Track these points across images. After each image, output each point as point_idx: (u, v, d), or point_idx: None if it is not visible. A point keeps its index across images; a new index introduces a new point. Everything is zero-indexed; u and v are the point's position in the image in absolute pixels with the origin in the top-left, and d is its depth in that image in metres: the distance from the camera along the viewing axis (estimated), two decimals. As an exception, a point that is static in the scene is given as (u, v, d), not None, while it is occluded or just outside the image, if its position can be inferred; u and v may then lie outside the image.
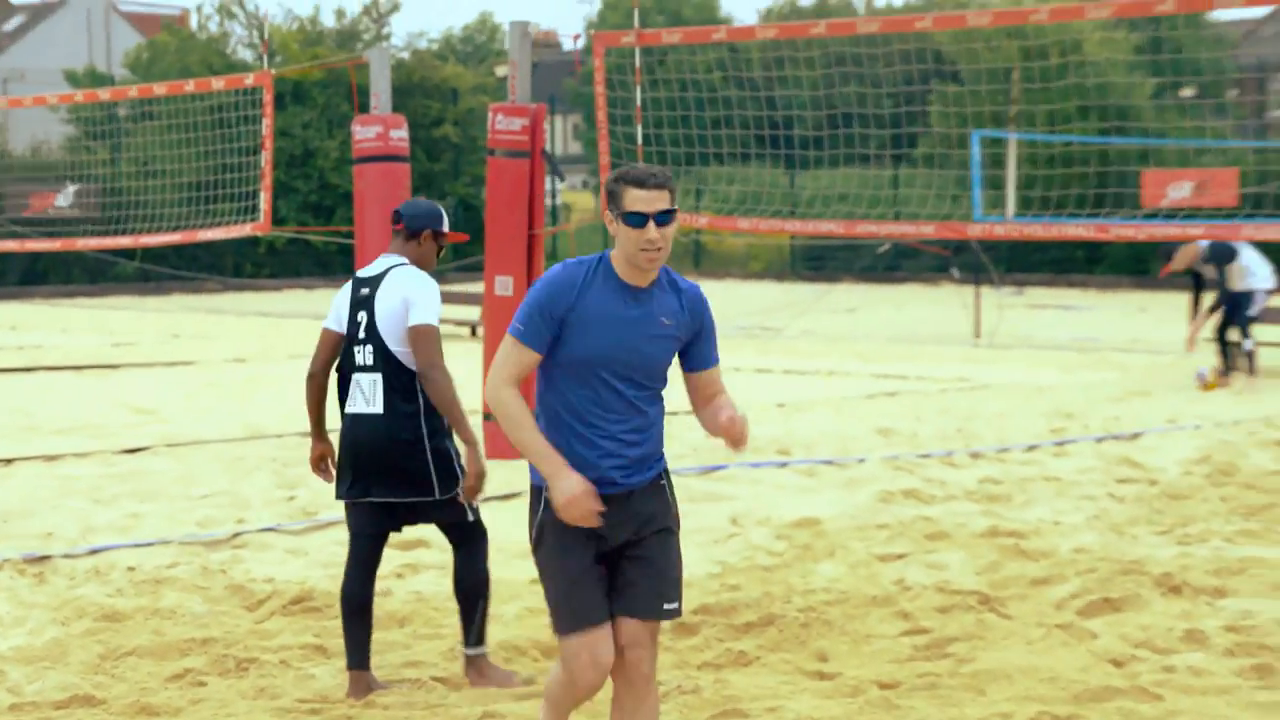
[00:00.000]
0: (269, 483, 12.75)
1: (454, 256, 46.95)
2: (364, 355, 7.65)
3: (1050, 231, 14.45)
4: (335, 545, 10.42)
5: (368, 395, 7.63)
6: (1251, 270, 18.73)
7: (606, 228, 5.83)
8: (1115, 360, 22.81)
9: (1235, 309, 18.95)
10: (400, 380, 7.59)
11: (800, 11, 60.69)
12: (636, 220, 5.71)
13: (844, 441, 14.89)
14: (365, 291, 7.71)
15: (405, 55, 51.36)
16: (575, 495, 5.69)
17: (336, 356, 7.82)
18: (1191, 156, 39.49)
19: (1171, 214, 30.52)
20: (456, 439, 7.61)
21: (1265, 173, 36.61)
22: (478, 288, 17.54)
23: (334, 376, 7.83)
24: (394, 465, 7.57)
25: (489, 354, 14.14)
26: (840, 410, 17.26)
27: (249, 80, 16.18)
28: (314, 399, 7.92)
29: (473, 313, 28.52)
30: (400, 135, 14.50)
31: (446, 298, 30.43)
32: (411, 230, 7.88)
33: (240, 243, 43.29)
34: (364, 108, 15.05)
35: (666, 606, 6.01)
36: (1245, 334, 19.09)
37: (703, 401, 6.05)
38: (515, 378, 5.84)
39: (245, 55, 50.46)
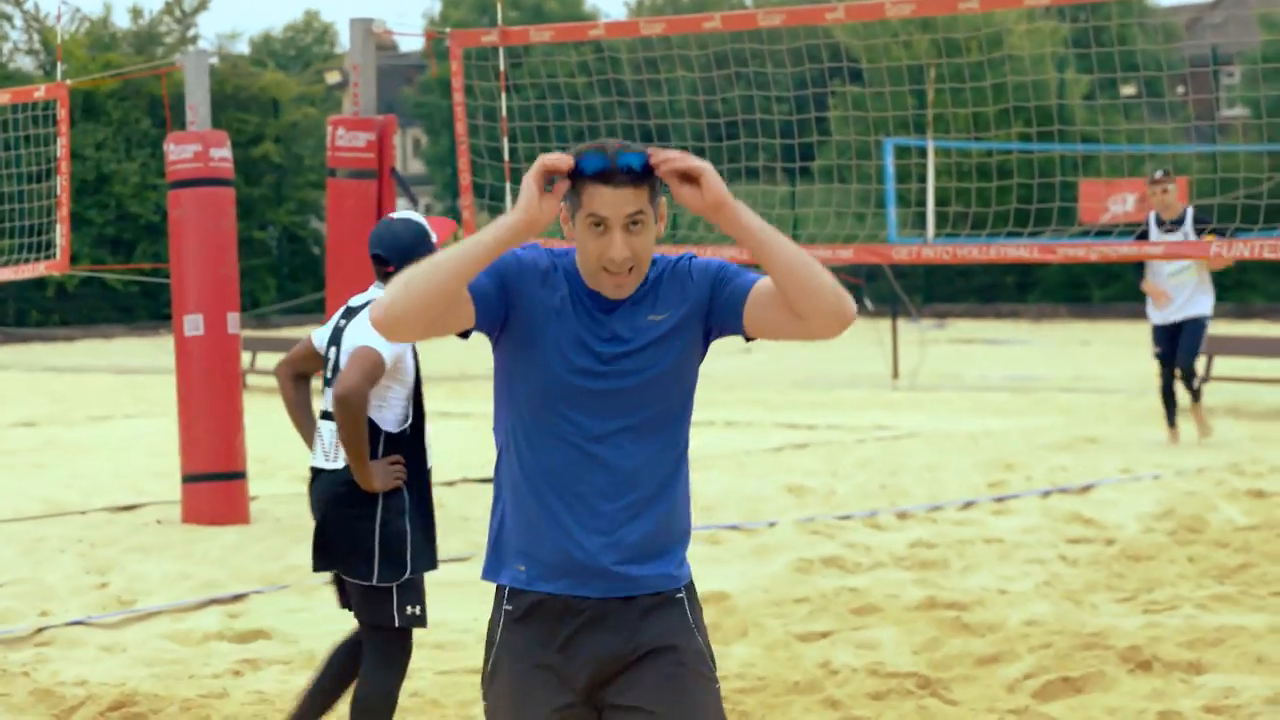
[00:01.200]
0: (75, 568, 12.60)
1: (279, 296, 46.83)
2: (327, 399, 7.60)
3: (988, 254, 14.57)
4: (159, 640, 10.32)
5: (327, 448, 7.60)
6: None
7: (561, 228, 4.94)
8: (1057, 401, 23.07)
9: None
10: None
11: (677, 5, 61.01)
12: (596, 227, 4.80)
13: (750, 503, 14.95)
14: (342, 323, 7.69)
15: (215, 61, 51.15)
16: (532, 199, 4.69)
17: (311, 366, 7.83)
18: (1130, 165, 39.99)
19: (1105, 231, 30.90)
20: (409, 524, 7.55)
21: (1218, 181, 37.10)
22: (309, 331, 17.38)
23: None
24: (343, 534, 7.48)
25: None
26: (743, 466, 17.33)
27: (40, 92, 16.08)
28: (287, 398, 7.91)
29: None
30: (223, 155, 14.44)
31: (271, 345, 30.34)
32: (402, 267, 7.78)
33: (21, 286, 42.92)
34: (178, 123, 14.97)
35: None
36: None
37: (782, 304, 4.83)
38: None
39: (24, 63, 50.10)
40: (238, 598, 11.48)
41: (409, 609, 7.53)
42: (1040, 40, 46.86)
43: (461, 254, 4.66)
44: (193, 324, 14.35)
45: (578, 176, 4.75)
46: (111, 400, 26.71)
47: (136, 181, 44.84)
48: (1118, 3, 46.67)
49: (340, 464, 7.50)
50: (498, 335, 4.93)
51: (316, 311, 13.08)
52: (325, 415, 7.62)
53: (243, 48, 60.14)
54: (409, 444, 7.62)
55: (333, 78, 38.15)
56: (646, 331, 4.90)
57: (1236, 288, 44.12)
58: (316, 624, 10.67)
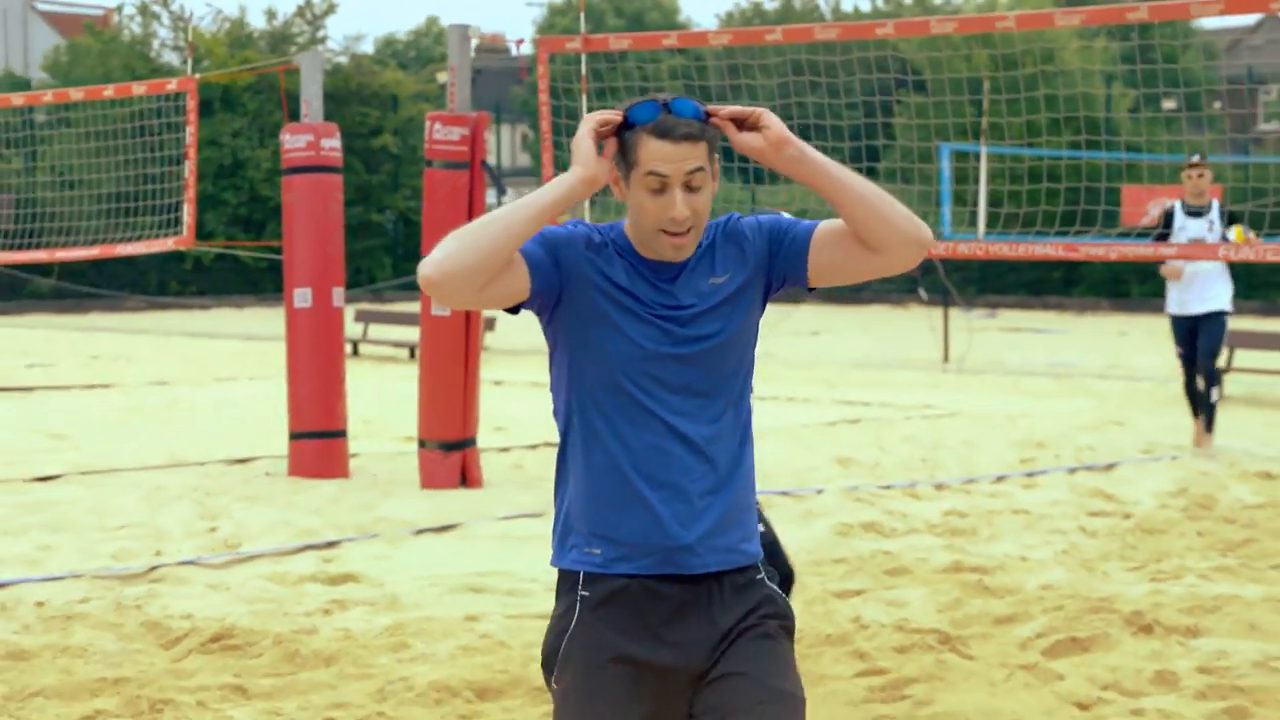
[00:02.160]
0: (190, 513, 12.72)
1: (394, 274, 46.99)
2: None
3: (1017, 251, 14.49)
4: (259, 580, 10.41)
5: None
6: None
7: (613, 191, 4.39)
8: (1090, 387, 22.93)
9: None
10: None
11: (764, 15, 60.90)
12: (654, 186, 4.24)
13: (801, 472, 14.93)
14: None
15: (343, 60, 51.32)
16: (590, 155, 4.25)
17: None
18: (1169, 173, 39.68)
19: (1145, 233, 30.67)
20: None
21: (1249, 189, 36.82)
22: (417, 307, 17.55)
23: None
24: None
25: (425, 379, 14.15)
26: (799, 439, 17.31)
27: (172, 85, 16.19)
28: None
29: (412, 334, 28.52)
30: (332, 145, 14.52)
31: (383, 317, 30.46)
32: None
33: (164, 259, 43.22)
34: (294, 115, 15.05)
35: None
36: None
37: (852, 242, 4.38)
38: None
39: (171, 58, 50.39)
40: (331, 544, 11.55)
41: None
42: (1091, 57, 46.58)
43: (517, 211, 4.18)
44: (301, 297, 14.44)
45: (629, 128, 4.25)
46: (237, 364, 26.88)
47: (268, 167, 44.99)
48: (1164, 24, 46.33)
49: None
50: (552, 311, 4.38)
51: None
52: None
53: (368, 48, 60.29)
54: None
55: (443, 77, 38.21)
56: (711, 295, 4.36)
57: (1264, 287, 43.74)
58: (401, 570, 10.74)
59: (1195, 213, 15.85)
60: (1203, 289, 16.05)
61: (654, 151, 4.20)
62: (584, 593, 4.36)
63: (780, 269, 4.43)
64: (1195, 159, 16.08)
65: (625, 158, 4.27)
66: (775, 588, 4.50)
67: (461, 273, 4.12)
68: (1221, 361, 18.85)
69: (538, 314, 4.43)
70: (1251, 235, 15.20)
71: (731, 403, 4.43)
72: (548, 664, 4.44)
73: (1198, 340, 16.25)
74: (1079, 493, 13.90)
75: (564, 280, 4.32)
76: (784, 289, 4.49)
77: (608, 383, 4.33)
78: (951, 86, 34.40)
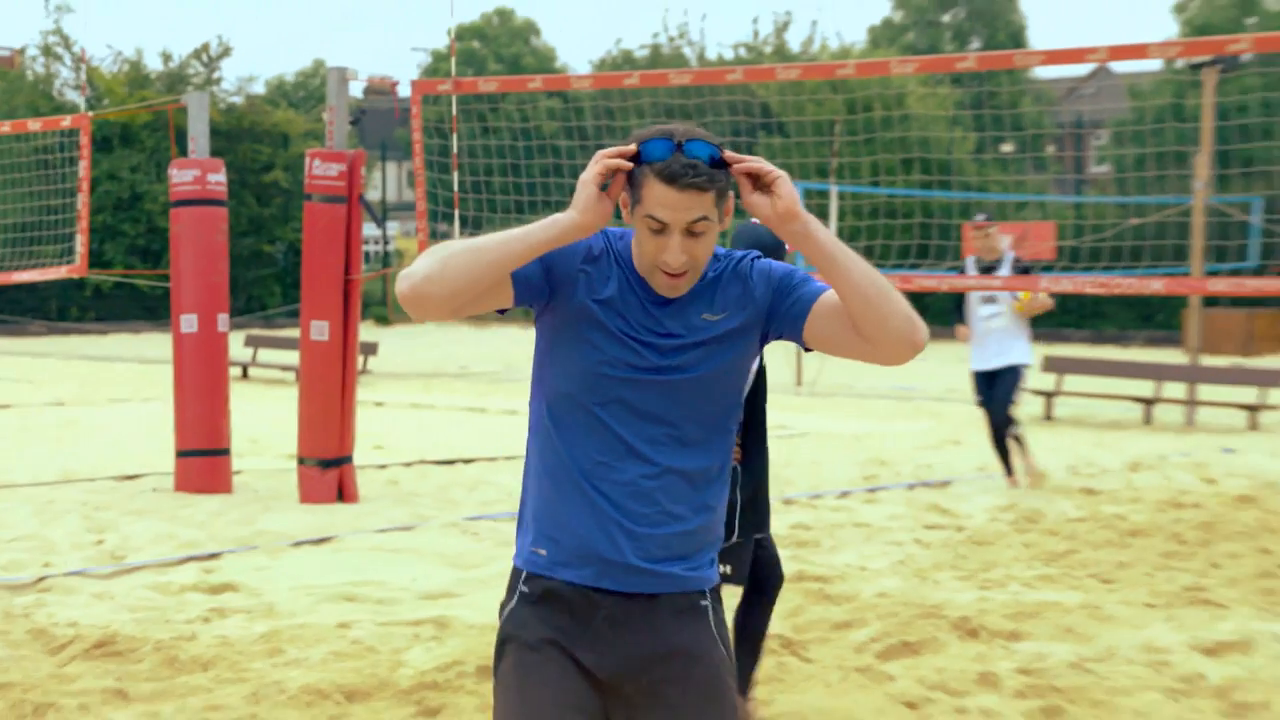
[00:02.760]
0: (78, 527, 12.57)
1: (284, 301, 46.68)
2: None
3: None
4: (142, 590, 10.29)
5: None
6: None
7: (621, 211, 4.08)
8: (930, 409, 23.14)
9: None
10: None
11: (633, 61, 61.07)
12: (654, 227, 3.94)
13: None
14: None
15: (236, 99, 50.98)
16: (589, 201, 3.89)
17: None
18: (1011, 210, 40.16)
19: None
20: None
21: (1082, 227, 37.33)
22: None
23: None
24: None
25: (305, 399, 14.07)
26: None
27: (66, 122, 16.01)
28: None
29: (295, 357, 28.44)
30: (218, 179, 14.42)
31: (272, 342, 30.27)
32: None
33: (65, 286, 42.78)
34: (183, 151, 14.94)
35: None
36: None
37: (849, 323, 4.03)
38: None
39: (73, 96, 49.87)
40: (213, 556, 11.44)
41: (723, 568, 7.57)
42: (935, 103, 47.06)
43: (505, 244, 3.86)
44: (188, 322, 14.33)
45: (641, 163, 3.89)
46: (130, 386, 26.62)
47: (164, 200, 44.62)
48: (1003, 72, 46.83)
49: None
50: (539, 313, 4.13)
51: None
52: None
53: (260, 88, 59.84)
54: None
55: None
56: (700, 330, 4.06)
57: (1092, 317, 44.35)
58: (278, 580, 10.65)
59: (987, 268, 15.54)
60: (999, 345, 15.28)
61: (658, 196, 3.87)
62: (524, 588, 4.17)
63: (777, 326, 4.14)
64: (980, 219, 15.72)
65: (632, 189, 3.94)
66: (720, 618, 4.20)
67: (439, 295, 3.84)
68: (1051, 385, 19.08)
69: (530, 308, 4.17)
70: (1041, 298, 15.05)
71: (704, 438, 4.11)
72: (495, 656, 4.25)
73: (994, 391, 15.39)
74: (916, 507, 14.00)
75: (553, 290, 4.06)
76: (779, 340, 4.23)
77: (576, 390, 4.07)
78: (808, 128, 34.64)
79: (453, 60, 14.55)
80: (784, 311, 4.09)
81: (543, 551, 4.14)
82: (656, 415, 4.05)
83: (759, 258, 4.16)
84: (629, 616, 4.09)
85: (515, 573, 4.21)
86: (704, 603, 4.16)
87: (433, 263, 3.84)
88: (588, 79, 13.11)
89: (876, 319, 3.93)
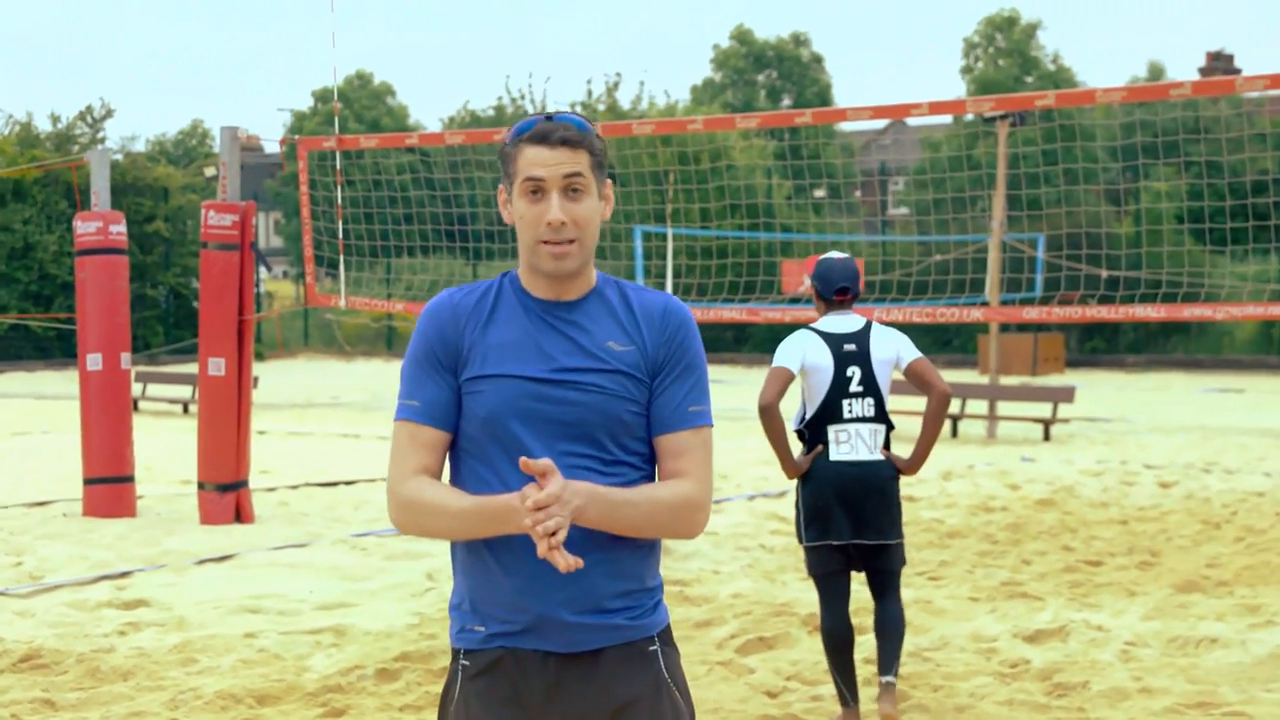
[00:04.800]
0: (-4, 551, 12.30)
1: (166, 340, 46.07)
2: (864, 407, 7.36)
3: (708, 315, 14.67)
4: (61, 607, 10.08)
5: (869, 443, 7.36)
6: None
7: (503, 215, 3.66)
8: (759, 429, 23.24)
9: None
10: (889, 430, 7.45)
11: (479, 120, 60.98)
12: (531, 189, 3.49)
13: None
14: (851, 347, 7.41)
15: (119, 157, 50.24)
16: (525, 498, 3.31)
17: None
18: (824, 248, 40.51)
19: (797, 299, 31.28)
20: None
21: (885, 262, 37.78)
22: (190, 368, 17.20)
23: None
24: (886, 510, 7.38)
25: (203, 429, 13.88)
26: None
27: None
28: (780, 426, 7.42)
29: (184, 391, 28.14)
30: (119, 230, 14.21)
31: (159, 378, 29.84)
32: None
33: (-39, 329, 41.89)
34: (84, 205, 14.70)
35: None
36: None
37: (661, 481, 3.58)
38: (420, 468, 3.54)
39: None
40: (124, 574, 11.24)
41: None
42: (754, 154, 47.44)
43: (448, 525, 3.47)
44: (94, 361, 14.08)
45: (513, 144, 3.52)
46: (30, 420, 26.07)
47: (55, 250, 43.92)
48: (812, 126, 47.35)
49: (879, 455, 7.37)
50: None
51: (196, 352, 13.10)
52: (861, 419, 7.36)
53: (141, 146, 59.05)
54: (808, 439, 7.49)
55: (209, 171, 37.66)
56: (605, 355, 3.52)
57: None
58: (187, 595, 10.49)
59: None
60: None
61: (530, 157, 3.48)
62: (465, 663, 3.62)
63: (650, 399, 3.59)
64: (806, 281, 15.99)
65: (507, 173, 3.55)
66: (672, 661, 3.65)
67: (419, 534, 3.56)
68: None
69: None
70: None
71: (624, 467, 3.54)
72: None
73: None
74: (758, 516, 14.07)
75: (459, 370, 3.56)
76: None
77: (479, 431, 3.52)
78: (646, 178, 34.74)
79: (336, 120, 14.46)
80: (656, 397, 3.56)
81: (479, 628, 3.58)
82: (567, 442, 3.51)
83: (686, 317, 3.63)
84: (574, 677, 3.54)
85: (454, 655, 3.65)
86: (652, 648, 3.61)
87: (404, 515, 3.52)
88: (460, 135, 13.05)
89: (664, 533, 3.54)
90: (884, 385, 7.41)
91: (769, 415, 7.35)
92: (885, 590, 7.59)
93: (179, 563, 11.69)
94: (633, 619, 3.58)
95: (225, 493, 13.69)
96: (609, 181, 3.64)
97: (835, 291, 7.57)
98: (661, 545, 3.66)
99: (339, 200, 13.78)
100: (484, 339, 3.56)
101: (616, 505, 3.43)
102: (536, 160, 3.47)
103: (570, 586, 3.49)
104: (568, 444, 3.50)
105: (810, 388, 7.43)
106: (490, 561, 3.53)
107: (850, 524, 7.36)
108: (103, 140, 51.13)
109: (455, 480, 3.59)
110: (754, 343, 45.90)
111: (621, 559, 3.54)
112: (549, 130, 3.49)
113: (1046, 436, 22.06)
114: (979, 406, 24.42)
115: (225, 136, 14.11)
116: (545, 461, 3.31)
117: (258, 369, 33.76)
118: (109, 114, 50.72)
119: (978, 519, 13.92)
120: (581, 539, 3.45)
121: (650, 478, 3.60)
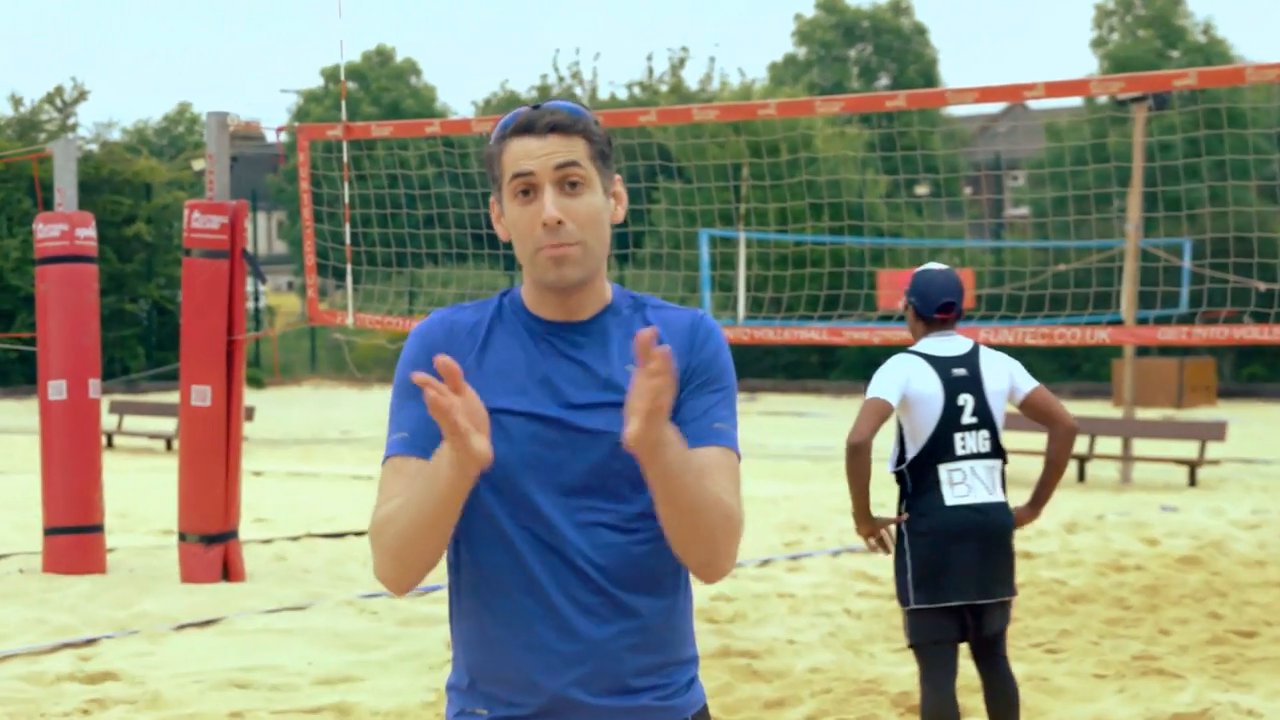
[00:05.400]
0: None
1: (149, 364, 46.34)
2: (978, 441, 7.43)
3: (782, 335, 14.66)
4: (13, 680, 10.12)
5: (987, 483, 7.43)
6: None
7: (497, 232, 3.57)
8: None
9: None
10: (1004, 467, 7.52)
11: (520, 102, 61.25)
12: (521, 189, 3.41)
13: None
14: (962, 372, 7.46)
15: (94, 147, 50.64)
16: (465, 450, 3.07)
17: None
18: (926, 256, 40.43)
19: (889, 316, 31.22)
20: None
21: (1001, 273, 37.66)
22: (173, 398, 17.30)
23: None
24: (1008, 560, 7.46)
25: (185, 471, 13.94)
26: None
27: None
28: (867, 470, 7.48)
29: (168, 425, 28.16)
30: (87, 234, 14.30)
31: (138, 408, 30.01)
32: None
33: (-91, 351, 42.25)
34: (47, 204, 14.81)
35: None
36: None
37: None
38: None
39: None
40: (89, 642, 11.30)
41: None
42: (844, 143, 47.41)
43: (424, 509, 3.24)
44: (56, 389, 14.18)
45: (497, 143, 3.45)
46: (-11, 455, 26.32)
47: (17, 256, 44.20)
48: (915, 111, 47.31)
49: (1000, 497, 7.46)
50: None
51: (177, 379, 13.02)
52: (976, 456, 7.42)
53: (119, 135, 59.47)
54: (910, 483, 7.56)
55: (199, 164, 37.88)
56: (624, 385, 3.37)
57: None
58: (163, 667, 10.54)
59: None
60: None
61: (517, 150, 3.40)
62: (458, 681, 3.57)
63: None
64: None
65: (494, 178, 3.48)
66: None
67: (408, 584, 3.39)
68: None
69: None
70: None
71: (650, 517, 3.41)
72: None
73: None
74: (843, 574, 14.03)
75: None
76: None
77: (479, 484, 3.34)
78: (711, 173, 34.76)
79: (343, 104, 14.54)
80: (678, 412, 3.41)
81: (484, 711, 3.51)
82: (584, 489, 3.44)
83: (715, 330, 3.55)
84: None
85: (448, 694, 3.62)
86: None
87: (380, 534, 3.35)
88: (487, 122, 13.05)
89: (682, 546, 3.36)
90: (999, 417, 7.44)
91: (858, 456, 7.35)
92: (994, 655, 7.59)
93: (155, 628, 11.74)
94: (662, 699, 3.50)
95: (211, 545, 13.75)
96: (618, 177, 3.56)
97: (937, 309, 7.56)
98: (693, 609, 3.56)
99: (347, 199, 13.83)
100: (480, 367, 3.47)
101: (689, 464, 3.24)
102: (523, 152, 3.39)
103: (589, 661, 3.40)
104: (578, 497, 3.41)
105: (913, 421, 7.41)
106: (493, 631, 3.45)
107: (974, 580, 7.37)
108: (74, 128, 51.61)
109: (468, 546, 3.49)
110: (843, 367, 45.82)
111: (650, 627, 3.44)
112: (535, 118, 3.41)
113: (1192, 481, 21.93)
114: (1111, 445, 24.29)
115: (212, 123, 14.20)
116: (650, 330, 3.08)
117: (253, 398, 33.84)
118: (82, 96, 51.25)
119: (1107, 580, 13.85)
120: (598, 602, 3.39)
121: None
